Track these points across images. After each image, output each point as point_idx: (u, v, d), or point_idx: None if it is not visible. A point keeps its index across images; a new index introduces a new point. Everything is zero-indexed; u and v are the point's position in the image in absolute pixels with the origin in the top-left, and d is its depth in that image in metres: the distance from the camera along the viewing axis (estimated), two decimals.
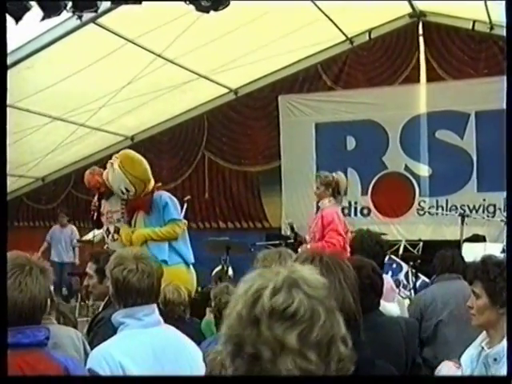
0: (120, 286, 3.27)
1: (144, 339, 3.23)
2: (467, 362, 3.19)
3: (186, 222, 7.48)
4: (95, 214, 7.41)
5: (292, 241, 7.98)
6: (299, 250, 7.22)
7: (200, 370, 3.36)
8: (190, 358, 3.39)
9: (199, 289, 9.55)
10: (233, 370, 1.41)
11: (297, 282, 1.40)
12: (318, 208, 7.39)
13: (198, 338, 5.45)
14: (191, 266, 7.27)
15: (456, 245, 7.48)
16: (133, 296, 3.26)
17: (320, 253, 2.39)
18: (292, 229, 7.78)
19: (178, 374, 3.21)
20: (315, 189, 7.34)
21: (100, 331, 3.93)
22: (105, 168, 7.21)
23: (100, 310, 4.54)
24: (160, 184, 7.33)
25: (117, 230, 7.19)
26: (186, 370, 3.28)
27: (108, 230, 7.30)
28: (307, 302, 1.37)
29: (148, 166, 7.06)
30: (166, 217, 6.97)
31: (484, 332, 3.20)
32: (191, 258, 7.26)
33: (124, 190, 6.95)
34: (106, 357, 3.08)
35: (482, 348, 3.12)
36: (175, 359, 3.30)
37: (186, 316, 6.00)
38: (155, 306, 3.38)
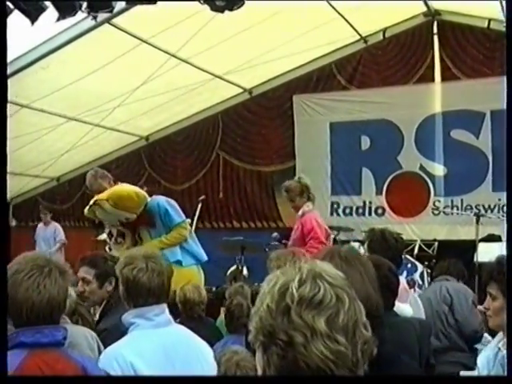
0: (130, 285, 3.29)
1: (155, 339, 3.25)
2: (484, 363, 3.17)
3: (189, 220, 7.38)
4: None
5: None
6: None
7: (211, 369, 3.37)
8: (202, 357, 3.41)
9: (213, 289, 9.57)
10: (266, 358, 1.48)
11: (320, 273, 1.50)
12: (301, 216, 7.18)
13: (215, 336, 5.48)
14: (200, 267, 7.22)
15: (455, 256, 7.41)
16: (143, 295, 3.28)
17: (338, 249, 2.42)
18: (279, 241, 7.68)
19: (189, 373, 3.21)
20: (290, 202, 7.19)
21: (104, 342, 3.85)
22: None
23: (97, 316, 4.45)
24: (146, 188, 7.19)
25: (120, 234, 7.09)
26: (197, 370, 3.29)
27: (111, 232, 7.21)
28: (332, 289, 1.47)
29: (139, 190, 6.84)
30: (169, 223, 6.85)
31: (500, 333, 3.18)
32: (204, 256, 7.20)
33: (124, 220, 6.82)
34: (118, 357, 3.09)
35: (499, 349, 3.11)
36: (186, 359, 3.30)
37: (204, 315, 6.03)
38: (165, 305, 3.39)
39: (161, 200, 6.95)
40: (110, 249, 7.18)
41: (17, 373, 2.47)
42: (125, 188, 6.96)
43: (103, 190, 6.89)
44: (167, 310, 3.39)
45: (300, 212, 7.11)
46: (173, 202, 7.04)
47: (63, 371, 2.58)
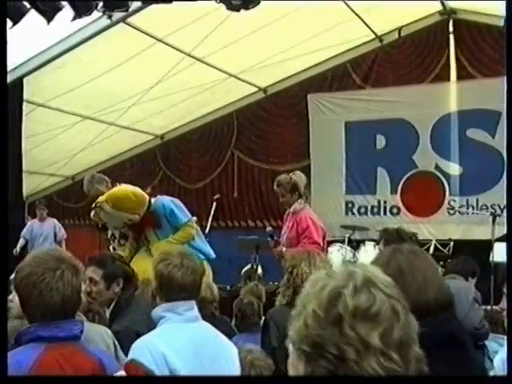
0: (164, 280, 3.33)
1: (185, 333, 3.28)
2: (499, 365, 3.15)
3: (195, 218, 7.30)
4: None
5: None
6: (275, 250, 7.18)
7: (237, 368, 3.39)
8: (228, 357, 3.43)
9: (228, 287, 9.57)
10: (310, 371, 1.35)
11: (374, 281, 1.38)
12: (292, 213, 7.08)
13: (230, 335, 5.47)
14: (208, 264, 7.14)
15: (470, 256, 7.36)
16: (175, 291, 3.31)
17: (403, 245, 2.50)
18: (272, 237, 7.59)
19: (216, 371, 3.24)
20: (281, 198, 7.08)
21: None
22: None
23: (108, 317, 4.35)
24: (149, 190, 7.12)
25: (122, 236, 7.04)
26: (224, 369, 3.32)
27: (113, 235, 7.16)
28: (387, 301, 1.35)
29: (136, 190, 6.72)
30: (176, 223, 6.74)
31: None
32: (212, 253, 7.13)
33: (128, 221, 6.73)
34: (150, 347, 3.12)
35: None
36: (214, 355, 3.33)
37: (217, 313, 6.02)
38: (194, 302, 3.41)
39: (165, 200, 6.85)
40: (114, 248, 7.15)
41: (35, 367, 2.48)
42: (122, 189, 6.85)
43: (101, 195, 6.78)
44: (196, 307, 3.41)
45: (292, 209, 7.04)
46: (177, 201, 6.95)
47: (80, 365, 2.60)
